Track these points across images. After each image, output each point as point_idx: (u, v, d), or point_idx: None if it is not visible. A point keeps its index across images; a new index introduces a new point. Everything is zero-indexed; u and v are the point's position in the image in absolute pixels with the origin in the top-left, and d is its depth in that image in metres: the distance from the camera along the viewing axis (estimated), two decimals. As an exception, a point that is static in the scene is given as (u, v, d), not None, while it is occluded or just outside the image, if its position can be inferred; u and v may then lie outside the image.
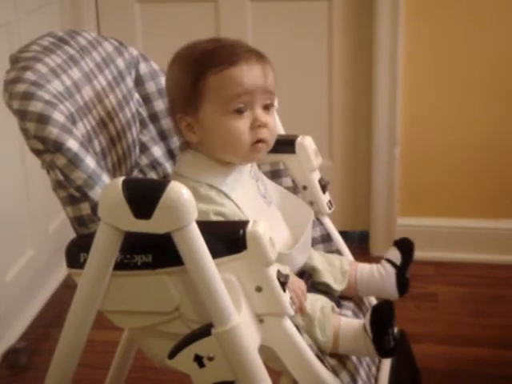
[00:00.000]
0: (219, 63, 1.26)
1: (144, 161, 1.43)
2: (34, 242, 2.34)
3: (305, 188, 1.50)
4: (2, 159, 2.16)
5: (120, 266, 1.14)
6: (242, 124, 1.26)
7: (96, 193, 1.16)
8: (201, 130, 1.29)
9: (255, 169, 1.39)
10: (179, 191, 1.06)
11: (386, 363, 1.41)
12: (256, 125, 1.27)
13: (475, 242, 2.56)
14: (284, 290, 1.14)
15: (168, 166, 1.45)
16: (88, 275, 1.15)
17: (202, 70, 1.26)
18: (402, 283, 1.42)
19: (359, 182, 2.68)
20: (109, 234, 1.10)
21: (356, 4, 2.51)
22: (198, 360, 1.13)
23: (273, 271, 1.13)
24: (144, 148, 1.43)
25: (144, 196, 1.06)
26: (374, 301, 1.51)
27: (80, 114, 1.25)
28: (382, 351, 1.26)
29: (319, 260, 1.41)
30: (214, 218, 1.23)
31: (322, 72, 2.59)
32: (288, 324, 1.17)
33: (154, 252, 1.13)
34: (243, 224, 1.12)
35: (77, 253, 1.17)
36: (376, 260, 1.45)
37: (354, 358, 1.32)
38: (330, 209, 1.51)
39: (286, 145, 1.47)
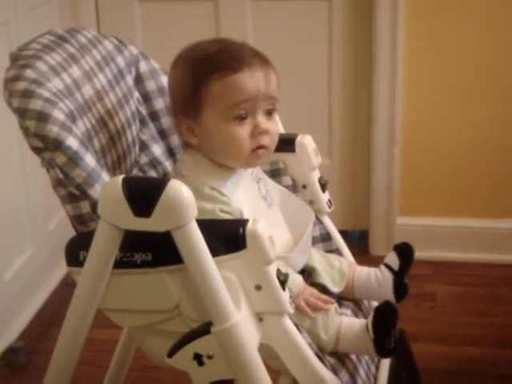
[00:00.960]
0: (222, 69, 1.24)
1: (144, 159, 1.43)
2: (33, 240, 2.34)
3: (304, 187, 1.50)
4: (1, 157, 2.16)
5: (120, 264, 1.14)
6: (243, 131, 1.25)
7: (96, 191, 1.16)
8: (201, 134, 1.28)
9: (257, 170, 1.39)
10: (179, 189, 1.06)
11: (386, 362, 1.42)
12: (257, 132, 1.26)
13: (474, 242, 2.57)
14: (284, 289, 1.14)
15: (168, 165, 1.44)
16: (87, 273, 1.15)
17: (204, 74, 1.25)
18: (400, 289, 1.41)
19: (359, 182, 2.68)
20: (108, 232, 1.10)
21: (356, 4, 2.51)
22: (198, 358, 1.13)
23: (272, 270, 1.13)
24: (144, 146, 1.43)
25: (144, 194, 1.06)
26: (373, 301, 1.51)
27: (80, 112, 1.24)
28: (382, 352, 1.26)
29: (318, 260, 1.41)
30: (222, 215, 1.23)
31: (321, 71, 2.59)
32: (287, 322, 1.17)
33: (154, 250, 1.13)
34: (243, 222, 1.12)
35: (76, 251, 1.17)
36: (375, 259, 1.46)
37: (353, 357, 1.32)
38: (329, 208, 1.51)
39: (285, 144, 1.47)
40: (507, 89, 2.45)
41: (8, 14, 2.17)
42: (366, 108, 2.57)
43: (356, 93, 2.60)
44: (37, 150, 1.17)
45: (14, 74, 1.19)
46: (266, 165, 1.47)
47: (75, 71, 1.29)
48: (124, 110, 1.38)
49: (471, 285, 2.44)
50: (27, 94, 1.16)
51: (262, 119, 1.26)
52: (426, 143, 2.54)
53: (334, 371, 1.25)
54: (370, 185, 2.61)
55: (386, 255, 1.45)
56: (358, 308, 1.45)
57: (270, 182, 1.43)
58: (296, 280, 1.28)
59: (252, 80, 1.24)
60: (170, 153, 1.46)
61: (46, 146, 1.15)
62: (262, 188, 1.37)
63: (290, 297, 1.16)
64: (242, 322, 1.11)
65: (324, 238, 1.51)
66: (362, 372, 1.33)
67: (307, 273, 1.38)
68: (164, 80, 1.44)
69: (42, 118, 1.14)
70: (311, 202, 1.49)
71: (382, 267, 1.43)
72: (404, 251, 1.43)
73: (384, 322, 1.25)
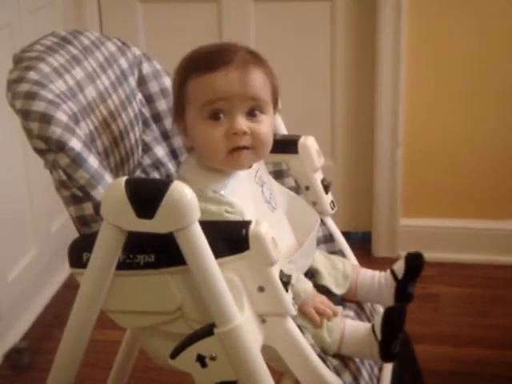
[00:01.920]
0: (198, 68, 1.26)
1: (147, 161, 1.43)
2: (36, 242, 2.34)
3: (307, 188, 1.50)
4: (4, 159, 2.16)
5: (122, 265, 1.14)
6: (217, 131, 1.25)
7: (99, 192, 1.16)
8: (190, 135, 1.30)
9: (262, 173, 1.38)
10: (182, 191, 1.06)
11: (388, 364, 1.41)
12: (231, 132, 1.25)
13: (477, 243, 2.56)
14: (286, 290, 1.14)
15: (171, 166, 1.45)
16: (90, 275, 1.15)
17: (185, 74, 1.28)
18: (401, 297, 1.40)
19: (361, 183, 2.68)
20: (111, 233, 1.10)
21: (359, 5, 2.51)
22: (201, 360, 1.13)
23: (275, 271, 1.13)
24: (147, 148, 1.43)
25: (147, 196, 1.06)
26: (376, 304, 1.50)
27: (83, 113, 1.25)
28: (387, 355, 1.25)
29: (322, 262, 1.41)
30: (229, 216, 1.22)
31: (324, 73, 2.59)
32: (290, 324, 1.17)
33: (157, 252, 1.13)
34: (246, 224, 1.12)
35: (79, 252, 1.17)
36: (378, 260, 1.45)
37: (356, 359, 1.32)
38: (332, 209, 1.51)
39: (288, 145, 1.48)
40: (509, 90, 2.44)
41: (11, 15, 2.17)
42: (368, 109, 2.57)
43: (359, 94, 2.60)
44: (40, 152, 1.17)
45: (18, 76, 1.20)
46: (268, 166, 1.47)
47: (78, 73, 1.29)
48: (127, 112, 1.38)
49: (475, 286, 2.43)
50: (30, 96, 1.16)
51: (239, 120, 1.25)
52: (429, 145, 2.54)
53: (337, 373, 1.25)
54: (373, 186, 2.61)
55: (388, 256, 1.44)
56: (360, 309, 1.45)
57: (276, 185, 1.43)
58: (305, 286, 1.27)
59: (224, 79, 1.24)
60: (173, 154, 1.46)
61: (49, 148, 1.15)
62: (265, 192, 1.36)
63: (293, 298, 1.16)
64: (244, 324, 1.11)
65: (327, 240, 1.51)
66: (364, 374, 1.32)
67: (310, 274, 1.38)
68: (167, 81, 1.45)
69: (45, 119, 1.14)
70: (314, 204, 1.49)
71: (388, 273, 1.42)
72: (412, 261, 1.40)
73: (393, 323, 1.24)
